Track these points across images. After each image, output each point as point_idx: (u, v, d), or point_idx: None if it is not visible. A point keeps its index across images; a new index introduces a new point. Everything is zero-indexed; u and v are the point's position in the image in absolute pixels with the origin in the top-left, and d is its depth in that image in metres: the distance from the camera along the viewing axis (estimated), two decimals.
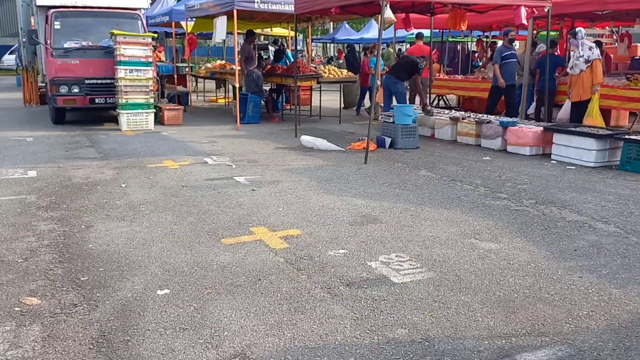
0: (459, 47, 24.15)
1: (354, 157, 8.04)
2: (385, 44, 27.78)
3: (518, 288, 3.47)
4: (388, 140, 8.86)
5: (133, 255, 4.06)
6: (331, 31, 34.20)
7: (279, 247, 4.22)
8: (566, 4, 9.73)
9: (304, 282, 3.58)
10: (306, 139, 8.95)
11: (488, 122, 8.96)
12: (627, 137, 7.25)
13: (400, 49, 25.08)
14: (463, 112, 10.05)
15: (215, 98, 17.38)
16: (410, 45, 14.71)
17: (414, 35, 14.47)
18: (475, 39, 22.46)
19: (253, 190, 6.03)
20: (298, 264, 3.89)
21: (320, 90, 12.66)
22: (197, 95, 17.92)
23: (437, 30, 17.77)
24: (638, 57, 13.38)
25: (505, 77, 10.21)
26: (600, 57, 8.75)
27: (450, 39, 22.59)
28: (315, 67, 12.09)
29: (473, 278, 3.62)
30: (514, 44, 11.19)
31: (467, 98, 14.48)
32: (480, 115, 9.65)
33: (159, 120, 11.52)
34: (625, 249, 4.18)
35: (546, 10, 8.54)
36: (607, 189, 6.13)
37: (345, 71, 12.11)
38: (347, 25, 30.68)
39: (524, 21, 8.27)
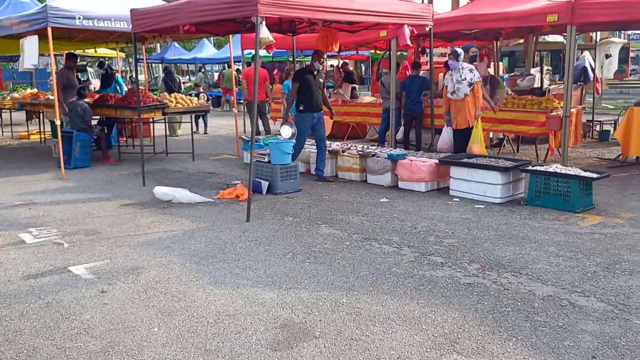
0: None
1: (229, 212, 6.37)
2: (225, 64, 26.21)
3: None
4: (265, 184, 7.33)
5: None
6: (158, 50, 31.73)
7: None
8: (435, 22, 9.13)
9: None
10: (161, 191, 7.04)
11: (374, 156, 7.91)
12: (531, 168, 6.62)
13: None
14: (340, 143, 8.90)
15: (26, 133, 14.25)
16: (248, 66, 13.19)
17: (251, 56, 13.04)
18: None
19: (103, 291, 4.08)
20: None
21: (166, 123, 10.67)
22: (3, 131, 14.62)
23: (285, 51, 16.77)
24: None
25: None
26: (481, 79, 8.17)
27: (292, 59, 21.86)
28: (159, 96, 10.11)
29: None
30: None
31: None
32: (362, 146, 8.57)
33: None
34: None
35: (427, 29, 7.76)
36: (540, 235, 5.30)
37: (195, 99, 10.32)
38: (176, 44, 28.62)
39: (409, 42, 7.36)
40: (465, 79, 7.94)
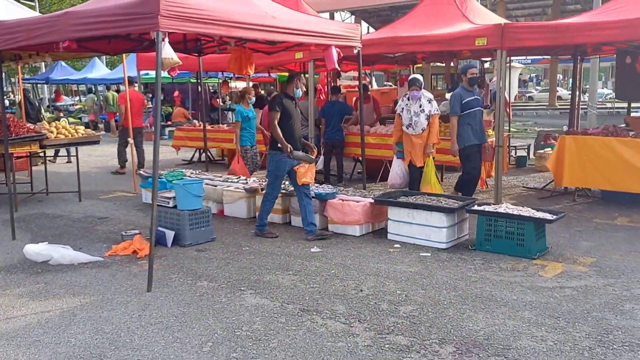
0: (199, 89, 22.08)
1: (125, 277, 5.02)
2: (105, 85, 24.05)
3: None
4: (170, 235, 6.04)
5: None
6: (43, 70, 28.96)
7: None
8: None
9: None
10: (34, 250, 5.53)
11: None
12: (479, 208, 5.90)
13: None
14: (261, 182, 7.70)
15: None
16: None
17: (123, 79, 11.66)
18: (220, 80, 20.70)
19: None
20: None
21: (45, 157, 8.98)
22: None
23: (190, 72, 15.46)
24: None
25: (469, 133, 7.14)
26: (439, 112, 7.37)
27: (191, 80, 20.43)
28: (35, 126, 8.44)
29: None
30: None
31: (234, 151, 12.34)
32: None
33: None
34: None
35: (356, 51, 6.90)
36: (506, 294, 4.51)
37: (82, 128, 8.75)
38: (63, 64, 26.17)
39: (337, 64, 6.44)
40: (424, 110, 7.05)
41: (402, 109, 7.19)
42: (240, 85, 18.07)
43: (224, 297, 4.50)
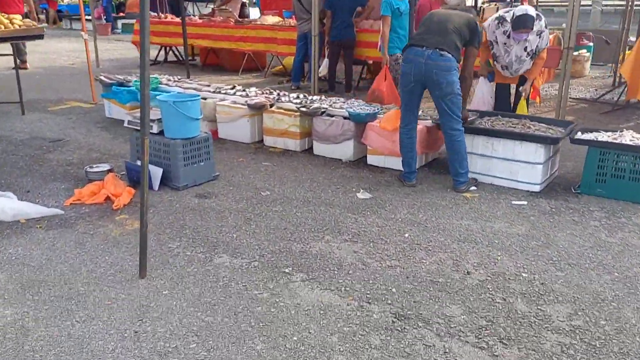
0: None
1: (99, 249, 3.29)
2: None
3: None
4: (157, 174, 4.25)
5: None
6: None
7: None
8: None
9: None
10: None
11: (324, 113, 5.11)
12: (590, 137, 4.31)
13: None
14: (267, 94, 5.79)
15: None
16: None
17: None
18: None
19: None
20: None
21: None
22: None
23: None
24: None
25: None
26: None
27: None
28: None
29: None
30: None
31: (209, 49, 10.25)
32: (301, 96, 5.64)
33: None
34: None
35: None
36: None
37: (18, 17, 6.47)
38: None
39: None
40: (532, 50, 4.92)
41: (497, 41, 5.00)
42: None
43: (264, 290, 2.88)
